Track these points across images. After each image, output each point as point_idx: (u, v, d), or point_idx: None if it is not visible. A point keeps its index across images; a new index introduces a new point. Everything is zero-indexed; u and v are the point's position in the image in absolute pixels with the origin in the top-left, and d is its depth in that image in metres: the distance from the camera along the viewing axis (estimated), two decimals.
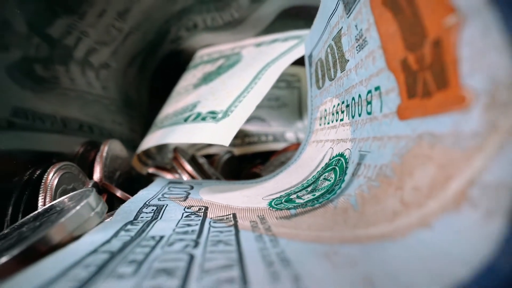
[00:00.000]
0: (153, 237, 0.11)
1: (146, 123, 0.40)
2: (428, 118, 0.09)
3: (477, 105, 0.07)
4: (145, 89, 0.41)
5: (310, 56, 0.22)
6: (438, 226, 0.07)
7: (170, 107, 0.30)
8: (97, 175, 0.23)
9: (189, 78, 0.34)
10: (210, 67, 0.33)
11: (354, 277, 0.07)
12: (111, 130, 0.33)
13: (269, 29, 0.36)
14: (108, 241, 0.10)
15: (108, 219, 0.14)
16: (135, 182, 0.31)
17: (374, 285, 0.07)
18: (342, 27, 0.15)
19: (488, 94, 0.07)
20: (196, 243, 0.10)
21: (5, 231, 0.14)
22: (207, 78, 0.30)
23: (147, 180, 0.29)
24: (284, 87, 0.42)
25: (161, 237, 0.11)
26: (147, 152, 0.31)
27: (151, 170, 0.27)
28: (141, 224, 0.12)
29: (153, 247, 0.10)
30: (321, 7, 0.17)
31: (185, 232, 0.11)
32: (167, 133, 0.24)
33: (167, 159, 0.34)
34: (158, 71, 0.41)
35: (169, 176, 0.26)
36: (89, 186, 0.20)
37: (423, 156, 0.09)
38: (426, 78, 0.09)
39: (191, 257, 0.09)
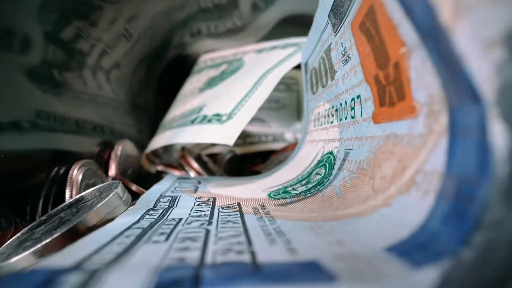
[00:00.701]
0: (173, 219, 0.13)
1: (152, 124, 0.42)
2: (393, 122, 0.11)
3: (421, 113, 0.10)
4: (151, 92, 0.43)
5: (306, 64, 0.25)
6: (394, 204, 0.10)
7: (177, 110, 0.32)
8: (112, 171, 0.25)
9: (194, 82, 0.36)
10: (214, 72, 0.35)
11: (330, 240, 0.09)
12: (121, 131, 0.35)
13: (269, 35, 0.38)
14: (137, 221, 0.13)
15: (131, 207, 0.16)
16: (144, 179, 0.33)
17: (344, 244, 0.09)
18: (331, 43, 0.17)
19: (427, 106, 0.09)
20: (210, 223, 0.12)
21: (43, 218, 0.17)
22: (211, 83, 0.32)
23: (156, 177, 0.32)
24: (284, 90, 0.45)
25: (180, 219, 0.13)
26: (154, 152, 0.34)
27: (160, 167, 0.29)
28: (160, 211, 0.15)
29: (175, 225, 0.12)
30: (314, 23, 0.19)
31: (199, 216, 0.14)
32: (175, 134, 0.27)
33: (172, 158, 0.37)
34: (164, 74, 0.44)
35: (176, 173, 0.28)
36: (108, 181, 0.23)
37: (389, 152, 0.11)
38: (391, 91, 0.11)
39: (207, 231, 0.11)
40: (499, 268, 0.06)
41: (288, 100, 0.44)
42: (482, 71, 0.07)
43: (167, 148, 0.37)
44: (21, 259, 0.13)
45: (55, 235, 0.13)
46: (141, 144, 0.36)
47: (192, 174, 0.26)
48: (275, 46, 0.33)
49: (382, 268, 0.07)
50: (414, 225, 0.09)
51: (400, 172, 0.10)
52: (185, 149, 0.28)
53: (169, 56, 0.43)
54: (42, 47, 0.25)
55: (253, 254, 0.09)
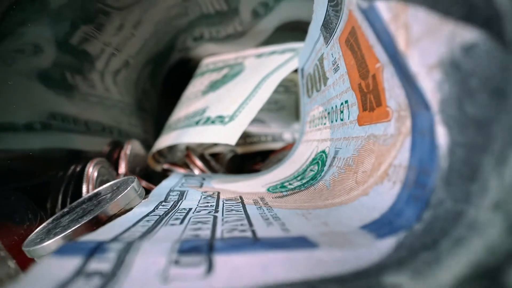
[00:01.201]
0: (184, 209, 0.15)
1: (157, 125, 0.44)
2: (372, 125, 0.14)
3: (393, 118, 0.12)
4: (156, 94, 0.45)
5: (302, 70, 0.27)
6: (371, 193, 0.12)
7: (182, 111, 0.34)
8: (122, 169, 0.27)
9: (197, 85, 0.39)
10: (216, 75, 0.37)
11: (317, 223, 0.12)
12: (128, 132, 0.37)
13: (269, 40, 0.40)
14: (153, 211, 0.15)
15: (144, 200, 0.18)
16: (150, 177, 0.36)
17: (328, 225, 0.11)
18: (323, 53, 0.19)
19: (397, 112, 0.11)
20: (216, 211, 0.14)
21: (65, 210, 0.19)
22: (214, 86, 0.34)
23: (161, 175, 0.34)
24: (283, 92, 0.47)
25: (190, 208, 0.15)
26: (160, 151, 0.36)
27: (166, 166, 0.31)
28: (171, 202, 0.17)
29: (187, 213, 0.14)
30: (309, 33, 0.22)
31: (206, 206, 0.16)
32: (181, 134, 0.29)
33: (176, 157, 0.39)
34: (168, 77, 0.46)
35: (182, 171, 0.30)
36: (120, 178, 0.25)
37: (369, 150, 0.14)
38: (371, 98, 0.13)
39: (215, 217, 0.13)
40: (436, 235, 0.08)
41: (287, 102, 0.46)
42: (428, 87, 0.09)
43: (172, 148, 0.39)
44: (53, 243, 0.15)
45: (82, 222, 0.15)
46: (147, 144, 0.39)
47: (196, 172, 0.28)
48: (274, 51, 0.36)
49: (354, 239, 0.09)
50: (384, 208, 0.11)
51: (377, 167, 0.13)
52: (189, 149, 0.30)
53: (172, 59, 0.45)
54: (54, 52, 0.27)
55: (253, 232, 0.11)
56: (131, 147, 0.29)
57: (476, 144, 0.07)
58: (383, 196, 0.11)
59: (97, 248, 0.09)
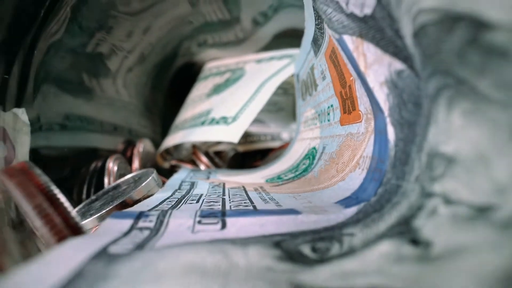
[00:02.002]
0: (196, 194, 0.19)
1: (163, 125, 0.48)
2: (350, 125, 0.17)
3: (363, 119, 0.15)
4: (162, 97, 0.49)
5: (298, 75, 0.30)
6: (347, 179, 0.16)
7: (187, 113, 0.38)
8: (136, 165, 0.31)
9: (201, 88, 0.42)
10: (219, 79, 0.41)
11: (303, 202, 0.15)
12: (137, 131, 0.41)
13: (268, 46, 0.44)
14: (171, 195, 0.18)
15: (161, 189, 0.22)
16: (159, 173, 0.39)
17: (311, 202, 0.15)
18: (314, 63, 0.23)
19: (365, 115, 0.15)
20: (223, 195, 0.18)
21: (93, 197, 0.22)
22: (217, 89, 0.38)
23: (169, 171, 0.37)
24: (281, 94, 0.50)
25: (201, 194, 0.19)
26: (167, 150, 0.40)
27: (174, 162, 0.35)
28: (185, 190, 0.21)
29: (200, 197, 0.18)
30: (302, 45, 0.25)
31: (214, 192, 0.19)
32: (188, 134, 0.32)
33: (182, 155, 0.42)
34: (173, 80, 0.49)
35: (188, 167, 0.34)
36: (136, 172, 0.28)
37: (347, 145, 0.17)
38: (348, 103, 0.17)
39: (223, 199, 0.17)
40: (383, 203, 0.11)
41: (285, 103, 0.49)
42: (381, 97, 0.12)
43: (177, 147, 0.43)
44: (89, 222, 0.18)
45: (114, 205, 0.18)
46: (155, 143, 0.42)
47: (202, 167, 0.32)
48: (272, 56, 0.39)
49: (328, 209, 0.13)
50: (354, 188, 0.14)
51: (352, 158, 0.16)
52: (196, 147, 0.33)
53: (177, 63, 0.49)
54: (72, 57, 0.31)
55: (254, 206, 0.14)
56: (144, 145, 0.32)
57: (408, 138, 0.11)
58: (354, 180, 0.15)
59: (141, 214, 0.12)
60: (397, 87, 0.11)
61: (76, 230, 0.10)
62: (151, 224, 0.11)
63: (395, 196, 0.11)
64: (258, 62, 0.39)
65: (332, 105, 0.20)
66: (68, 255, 0.08)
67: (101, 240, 0.09)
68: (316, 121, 0.24)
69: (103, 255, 0.08)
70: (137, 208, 0.14)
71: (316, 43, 0.20)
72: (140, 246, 0.09)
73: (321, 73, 0.21)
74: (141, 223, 0.11)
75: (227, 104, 0.32)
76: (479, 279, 0.07)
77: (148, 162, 0.34)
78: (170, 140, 0.35)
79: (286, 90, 0.50)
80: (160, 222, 0.12)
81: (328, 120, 0.21)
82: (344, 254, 0.09)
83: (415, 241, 0.09)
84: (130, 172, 0.30)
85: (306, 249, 0.09)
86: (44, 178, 0.11)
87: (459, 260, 0.07)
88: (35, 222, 0.09)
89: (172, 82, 0.50)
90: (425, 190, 0.09)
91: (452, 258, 0.07)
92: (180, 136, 0.34)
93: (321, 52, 0.20)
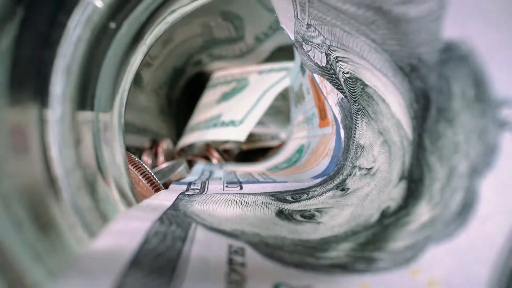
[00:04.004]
0: (217, 177, 0.27)
1: (177, 128, 0.56)
2: (324, 127, 0.25)
3: (330, 124, 0.24)
4: (175, 102, 0.57)
5: (292, 87, 0.39)
6: (320, 164, 0.24)
7: (200, 116, 0.46)
8: (161, 159, 0.39)
9: (210, 95, 0.51)
10: (226, 88, 0.49)
11: (291, 179, 0.23)
12: (156, 133, 0.49)
13: (268, 58, 0.52)
14: (199, 177, 0.27)
15: (188, 175, 0.30)
16: None
17: (296, 179, 0.23)
18: (302, 81, 0.31)
19: (331, 122, 0.23)
20: (236, 178, 0.26)
21: None
22: (225, 97, 0.46)
23: None
24: (280, 99, 0.58)
25: (220, 177, 0.27)
26: (182, 148, 0.48)
27: (190, 157, 0.43)
28: (206, 176, 0.29)
29: (220, 178, 0.26)
30: (294, 66, 0.34)
31: (229, 176, 0.28)
32: (202, 134, 0.41)
33: (194, 152, 0.51)
34: (185, 87, 0.58)
35: (202, 161, 0.42)
36: (164, 164, 0.37)
37: (322, 142, 0.25)
38: (323, 113, 0.25)
39: (238, 179, 0.25)
40: (335, 175, 0.20)
41: (283, 107, 0.58)
42: (336, 111, 0.21)
43: (191, 145, 0.51)
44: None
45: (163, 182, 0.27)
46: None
47: (214, 161, 0.40)
48: (272, 68, 0.48)
49: (305, 180, 0.21)
50: (323, 169, 0.23)
51: (324, 150, 0.24)
52: (209, 145, 0.42)
53: (189, 72, 0.57)
54: None
55: (258, 180, 0.23)
56: (166, 143, 0.41)
57: (349, 136, 0.19)
58: (324, 164, 0.23)
59: (189, 183, 0.21)
60: (342, 107, 0.19)
61: (159, 189, 0.19)
62: (198, 187, 0.20)
63: (341, 170, 0.20)
64: (260, 73, 0.48)
65: (314, 113, 0.29)
66: (167, 196, 0.16)
67: (178, 190, 0.18)
68: (305, 125, 0.33)
69: (184, 195, 0.17)
70: (184, 180, 0.23)
71: (303, 67, 0.29)
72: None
73: (307, 89, 0.30)
74: (192, 187, 0.20)
75: (234, 109, 0.41)
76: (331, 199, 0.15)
77: (169, 158, 0.43)
78: (187, 139, 0.44)
79: (284, 95, 0.58)
80: (203, 186, 0.20)
81: (312, 124, 0.29)
82: (308, 199, 0.18)
83: (343, 189, 0.17)
84: (157, 165, 0.38)
85: (288, 197, 0.18)
86: (139, 160, 0.19)
87: (358, 192, 0.16)
88: (141, 182, 0.18)
89: (184, 89, 0.58)
90: (354, 165, 0.18)
91: (355, 192, 0.16)
92: (196, 135, 0.42)
93: (306, 74, 0.29)
